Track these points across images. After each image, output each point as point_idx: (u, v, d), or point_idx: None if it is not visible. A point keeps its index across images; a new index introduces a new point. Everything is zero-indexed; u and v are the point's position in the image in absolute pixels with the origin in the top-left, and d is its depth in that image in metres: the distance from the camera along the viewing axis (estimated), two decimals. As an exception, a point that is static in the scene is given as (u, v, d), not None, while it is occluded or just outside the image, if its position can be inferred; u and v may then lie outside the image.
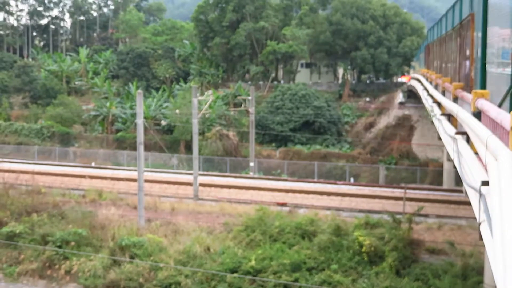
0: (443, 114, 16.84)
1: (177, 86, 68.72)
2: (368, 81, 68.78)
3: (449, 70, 17.78)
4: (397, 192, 33.39)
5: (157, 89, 69.28)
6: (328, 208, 30.73)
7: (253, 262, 22.86)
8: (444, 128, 15.08)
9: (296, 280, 21.94)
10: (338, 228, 24.54)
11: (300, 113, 53.59)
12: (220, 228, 27.14)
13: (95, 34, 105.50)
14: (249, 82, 66.14)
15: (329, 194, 35.26)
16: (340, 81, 70.83)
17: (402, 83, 64.16)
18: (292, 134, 49.99)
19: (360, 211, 30.27)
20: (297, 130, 52.14)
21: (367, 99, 63.59)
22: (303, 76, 71.63)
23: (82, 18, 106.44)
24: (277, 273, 22.25)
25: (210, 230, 26.97)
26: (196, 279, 22.92)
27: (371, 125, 58.11)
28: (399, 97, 60.30)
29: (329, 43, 62.45)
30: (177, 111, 54.78)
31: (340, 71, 72.70)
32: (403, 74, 67.21)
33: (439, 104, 19.50)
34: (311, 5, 68.48)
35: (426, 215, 28.52)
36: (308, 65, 73.07)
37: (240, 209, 30.10)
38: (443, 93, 18.06)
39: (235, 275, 22.46)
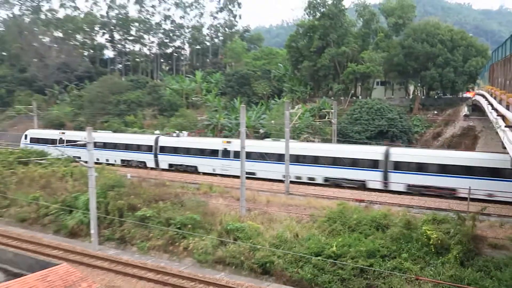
0: (507, 126, 15.83)
1: (273, 101, 69.41)
2: (436, 96, 65.41)
3: (513, 86, 16.64)
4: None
5: (256, 104, 70.26)
6: (400, 205, 29.78)
7: (334, 248, 22.63)
8: (508, 138, 14.19)
9: (371, 265, 21.48)
10: (409, 222, 23.73)
11: (375, 123, 52.24)
12: (307, 219, 27.09)
13: (208, 60, 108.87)
14: (332, 98, 65.41)
15: (400, 193, 34.20)
16: (410, 96, 68.12)
17: (467, 98, 60.61)
18: (369, 142, 48.74)
19: (428, 208, 29.03)
20: (373, 138, 50.81)
21: (435, 112, 60.67)
22: (378, 92, 69.85)
23: (198, 47, 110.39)
24: (354, 258, 21.89)
25: (298, 219, 27.01)
26: (286, 260, 23.02)
27: (438, 135, 55.60)
28: (464, 110, 57.24)
29: (402, 64, 60.32)
30: (273, 121, 55.36)
31: (411, 88, 70.06)
32: (468, 90, 63.40)
33: (503, 117, 18.28)
34: (386, 32, 66.56)
35: (488, 214, 26.87)
36: (382, 83, 71.12)
37: (324, 203, 29.86)
38: (507, 107, 16.88)
39: (319, 258, 22.35)
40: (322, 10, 67.18)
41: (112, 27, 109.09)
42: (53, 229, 31.24)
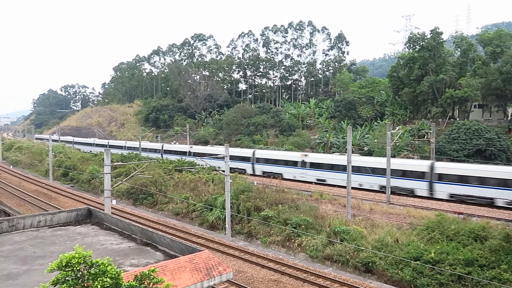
0: None
1: (375, 123, 66.57)
2: (536, 118, 57.04)
3: None
4: None
5: (361, 125, 67.98)
6: (498, 219, 26.25)
7: (432, 254, 20.69)
8: None
9: (469, 273, 19.13)
10: (508, 236, 20.66)
11: (473, 143, 47.04)
12: (406, 226, 25.20)
13: (320, 89, 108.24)
14: (430, 120, 60.58)
15: (498, 207, 30.20)
16: (509, 118, 60.18)
17: None
18: (466, 159, 44.02)
19: (529, 224, 25.07)
20: (470, 156, 45.76)
21: (535, 132, 52.76)
22: (475, 114, 62.93)
23: (312, 79, 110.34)
24: (452, 265, 19.73)
25: (398, 226, 25.25)
26: (387, 261, 21.61)
27: (539, 154, 48.10)
28: None
29: (500, 88, 53.69)
30: (375, 140, 53.01)
31: (510, 110, 61.92)
32: None
33: None
34: (484, 60, 59.93)
35: None
36: (480, 106, 63.88)
37: (422, 213, 27.57)
38: None
39: (418, 262, 20.58)
40: (421, 43, 63.05)
41: (245, 66, 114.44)
42: (198, 222, 33.04)
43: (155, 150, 67.32)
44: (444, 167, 35.11)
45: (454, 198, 33.43)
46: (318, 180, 43.27)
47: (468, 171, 32.98)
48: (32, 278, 10.87)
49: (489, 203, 31.57)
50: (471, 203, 32.25)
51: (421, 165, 36.26)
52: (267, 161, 48.44)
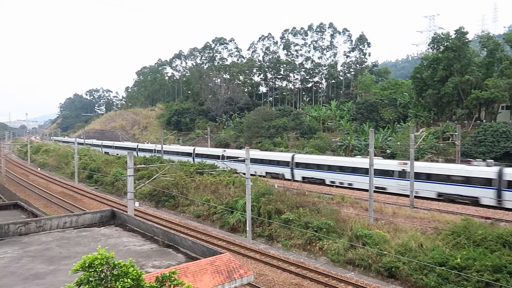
0: None
1: (398, 125, 65.38)
2: None
3: None
4: None
5: (383, 127, 66.91)
6: (529, 224, 25.26)
7: (458, 260, 20.07)
8: None
9: (497, 280, 18.44)
10: (539, 242, 19.84)
11: (501, 145, 45.59)
12: (431, 231, 24.59)
13: (341, 91, 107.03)
14: (455, 122, 59.07)
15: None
16: (539, 119, 58.09)
17: None
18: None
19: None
20: (498, 159, 44.30)
21: None
22: (503, 116, 60.90)
23: (333, 81, 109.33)
24: (479, 272, 19.06)
25: (422, 231, 24.68)
26: (411, 267, 21.12)
27: None
28: None
29: (529, 89, 51.90)
30: (398, 143, 52.09)
31: (539, 111, 59.70)
32: None
33: None
34: (511, 59, 58.06)
35: None
36: (508, 107, 61.77)
37: (447, 217, 26.84)
38: None
39: (443, 268, 20.02)
40: (445, 43, 61.62)
41: (266, 69, 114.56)
42: (219, 224, 33.18)
43: (133, 149, 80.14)
44: (299, 157, 47.76)
45: (306, 180, 45.13)
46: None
47: (309, 160, 45.85)
48: (58, 278, 11.13)
49: (322, 182, 43.98)
50: (318, 183, 43.56)
51: (287, 156, 49.15)
52: (202, 156, 61.20)
